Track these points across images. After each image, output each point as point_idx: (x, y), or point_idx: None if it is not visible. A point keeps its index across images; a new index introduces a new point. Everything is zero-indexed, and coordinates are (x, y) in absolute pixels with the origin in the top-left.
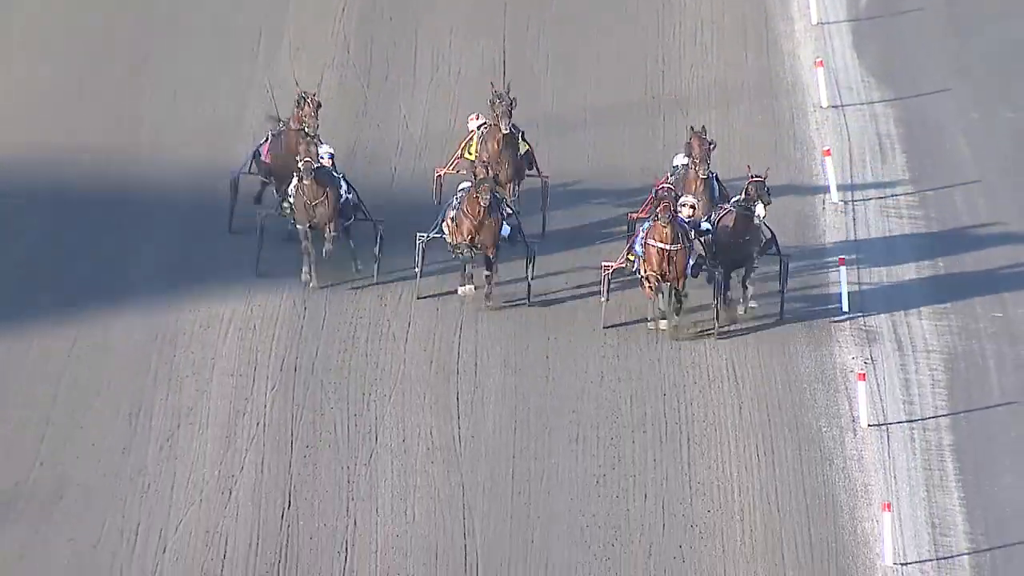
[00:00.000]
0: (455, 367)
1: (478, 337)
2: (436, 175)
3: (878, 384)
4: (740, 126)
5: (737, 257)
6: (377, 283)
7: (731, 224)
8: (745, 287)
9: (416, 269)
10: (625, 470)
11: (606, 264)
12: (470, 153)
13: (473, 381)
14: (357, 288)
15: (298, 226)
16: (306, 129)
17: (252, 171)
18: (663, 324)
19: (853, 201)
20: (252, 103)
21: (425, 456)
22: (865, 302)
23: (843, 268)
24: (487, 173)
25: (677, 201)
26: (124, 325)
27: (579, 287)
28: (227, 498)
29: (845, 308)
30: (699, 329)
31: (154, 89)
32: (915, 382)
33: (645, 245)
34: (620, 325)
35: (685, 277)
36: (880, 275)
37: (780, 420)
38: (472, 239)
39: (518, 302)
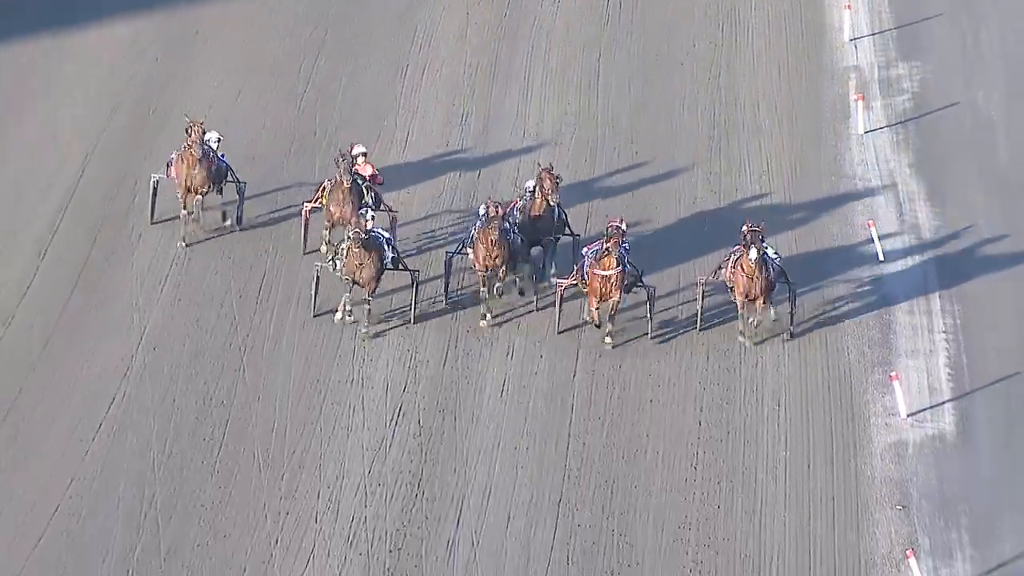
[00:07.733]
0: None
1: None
2: (304, 211)
3: None
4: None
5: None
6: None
7: (745, 268)
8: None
9: (444, 281)
10: None
11: (559, 282)
12: (324, 199)
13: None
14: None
15: (343, 280)
16: (191, 149)
17: (168, 176)
18: (608, 340)
19: None
20: None
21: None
22: None
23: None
24: (496, 212)
25: (624, 235)
26: None
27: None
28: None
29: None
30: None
31: None
32: None
33: (590, 270)
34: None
35: (620, 294)
36: None
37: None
38: (491, 263)
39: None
